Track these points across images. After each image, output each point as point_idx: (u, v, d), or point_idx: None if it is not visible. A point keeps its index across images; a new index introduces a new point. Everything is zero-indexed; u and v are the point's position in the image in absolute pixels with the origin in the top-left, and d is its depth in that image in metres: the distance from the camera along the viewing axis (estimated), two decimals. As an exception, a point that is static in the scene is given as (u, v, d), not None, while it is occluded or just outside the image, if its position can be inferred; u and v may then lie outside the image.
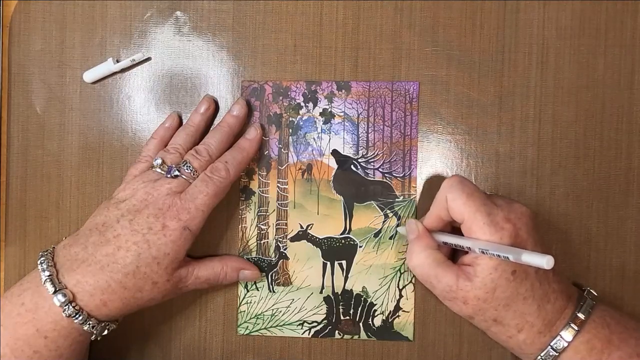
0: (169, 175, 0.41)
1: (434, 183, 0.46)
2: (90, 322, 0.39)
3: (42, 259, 0.40)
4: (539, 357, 0.39)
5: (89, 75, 0.46)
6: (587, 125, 0.45)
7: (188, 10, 0.46)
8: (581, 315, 0.39)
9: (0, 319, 0.39)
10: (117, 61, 0.46)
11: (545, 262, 0.34)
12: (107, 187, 0.47)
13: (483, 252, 0.37)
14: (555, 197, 0.45)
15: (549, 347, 0.38)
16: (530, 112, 0.45)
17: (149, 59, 0.46)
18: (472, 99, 0.45)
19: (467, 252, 0.39)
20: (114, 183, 0.46)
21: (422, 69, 0.45)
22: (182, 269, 0.41)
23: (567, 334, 0.38)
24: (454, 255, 0.42)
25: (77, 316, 0.39)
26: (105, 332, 0.41)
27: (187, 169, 0.41)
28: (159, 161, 0.42)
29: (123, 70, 0.46)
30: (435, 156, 0.46)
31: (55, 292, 0.38)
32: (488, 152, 0.45)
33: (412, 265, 0.41)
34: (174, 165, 0.42)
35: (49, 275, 0.39)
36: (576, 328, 0.38)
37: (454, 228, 0.42)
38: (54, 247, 0.42)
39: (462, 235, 0.40)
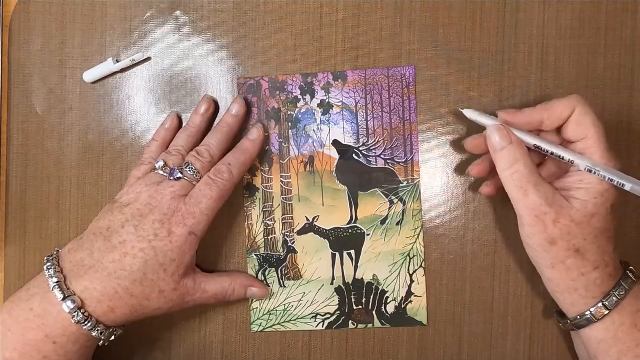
0: (171, 178, 0.41)
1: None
2: (99, 328, 0.39)
3: (48, 264, 0.40)
4: (601, 303, 0.38)
5: (89, 75, 0.46)
6: (587, 125, 0.45)
7: (188, 10, 0.46)
8: (633, 268, 0.40)
9: (9, 323, 0.39)
10: (117, 61, 0.46)
11: None
12: (107, 187, 0.47)
13: (595, 173, 0.37)
14: (555, 197, 0.45)
15: (612, 292, 0.38)
16: (530, 112, 0.45)
17: (149, 59, 0.46)
18: (472, 99, 0.45)
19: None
20: (114, 183, 0.46)
21: (422, 69, 0.45)
22: (189, 279, 0.41)
23: (627, 283, 0.39)
24: None
25: (86, 322, 0.39)
26: (113, 337, 0.41)
27: (189, 171, 0.41)
28: (161, 163, 0.42)
29: (123, 70, 0.46)
30: (435, 156, 0.46)
31: (64, 298, 0.38)
32: (488, 152, 0.45)
33: (514, 169, 0.38)
34: (176, 167, 0.41)
35: (57, 282, 0.39)
36: (634, 278, 0.39)
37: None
38: (58, 251, 0.42)
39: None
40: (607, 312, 0.38)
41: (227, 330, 0.47)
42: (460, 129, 0.45)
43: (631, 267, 0.40)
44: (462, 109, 0.42)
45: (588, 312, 0.39)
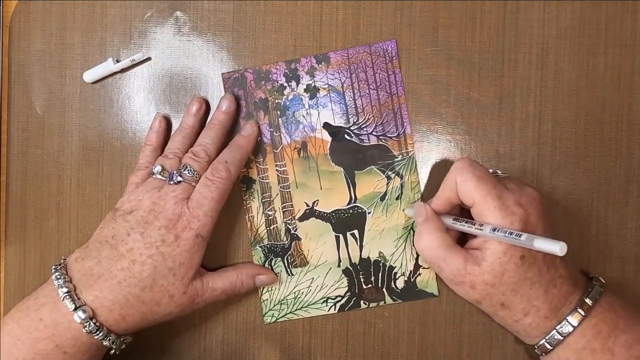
0: (171, 182, 0.41)
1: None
2: (110, 338, 0.40)
3: (57, 273, 0.40)
4: (544, 340, 0.39)
5: (89, 75, 0.46)
6: (587, 125, 0.45)
7: (188, 10, 0.46)
8: (589, 301, 0.39)
9: (18, 333, 0.39)
10: (117, 61, 0.46)
11: (558, 249, 0.34)
12: (107, 187, 0.47)
13: (494, 231, 0.37)
14: (555, 197, 0.45)
15: (555, 330, 0.39)
16: (530, 112, 0.45)
17: (149, 59, 0.46)
18: (472, 99, 0.45)
19: (475, 236, 0.39)
20: (114, 183, 0.46)
21: (422, 69, 0.45)
22: (197, 281, 0.41)
23: (574, 319, 0.38)
24: (462, 239, 0.42)
25: (97, 332, 0.39)
26: (124, 346, 0.41)
27: (188, 173, 0.41)
28: (159, 168, 0.42)
29: (123, 70, 0.46)
30: (435, 156, 0.46)
31: (75, 309, 0.38)
32: (488, 152, 0.45)
33: (420, 248, 0.40)
34: (174, 171, 0.41)
35: (67, 292, 0.39)
36: (583, 313, 0.38)
37: (463, 210, 0.42)
38: (64, 259, 0.42)
39: (471, 218, 0.40)
40: (550, 348, 0.39)
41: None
42: (460, 128, 0.45)
43: (587, 299, 0.39)
44: (403, 209, 0.45)
45: (535, 346, 0.40)
